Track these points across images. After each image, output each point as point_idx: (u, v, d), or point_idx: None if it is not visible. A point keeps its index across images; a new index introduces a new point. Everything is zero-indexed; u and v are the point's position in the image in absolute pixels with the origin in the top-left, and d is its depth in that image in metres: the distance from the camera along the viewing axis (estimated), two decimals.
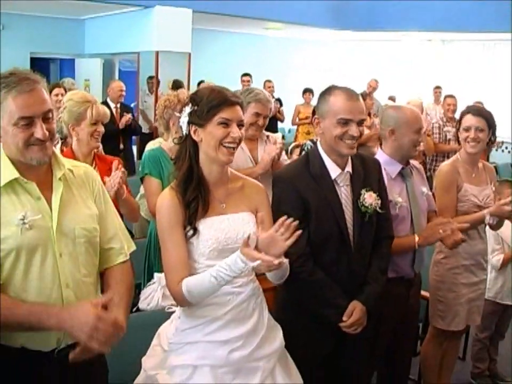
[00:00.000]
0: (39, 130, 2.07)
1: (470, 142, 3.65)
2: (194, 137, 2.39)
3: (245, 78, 10.76)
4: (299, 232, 2.19)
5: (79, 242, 2.19)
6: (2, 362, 2.07)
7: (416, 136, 3.22)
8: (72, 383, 2.18)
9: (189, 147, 2.42)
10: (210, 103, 2.33)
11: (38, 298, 2.09)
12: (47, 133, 2.09)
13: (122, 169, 3.40)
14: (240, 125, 2.38)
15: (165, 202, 2.39)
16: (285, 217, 2.19)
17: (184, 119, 2.41)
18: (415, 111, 3.33)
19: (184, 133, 2.43)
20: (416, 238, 3.17)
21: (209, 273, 2.26)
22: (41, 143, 2.09)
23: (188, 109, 2.40)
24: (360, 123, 2.77)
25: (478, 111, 3.74)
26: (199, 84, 11.05)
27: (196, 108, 2.37)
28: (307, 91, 10.94)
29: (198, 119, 2.36)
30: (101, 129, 3.50)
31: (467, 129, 3.67)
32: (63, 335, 2.13)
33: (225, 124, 2.34)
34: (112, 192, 3.14)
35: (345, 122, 2.73)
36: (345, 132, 2.74)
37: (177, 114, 3.64)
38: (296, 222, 2.20)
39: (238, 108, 2.38)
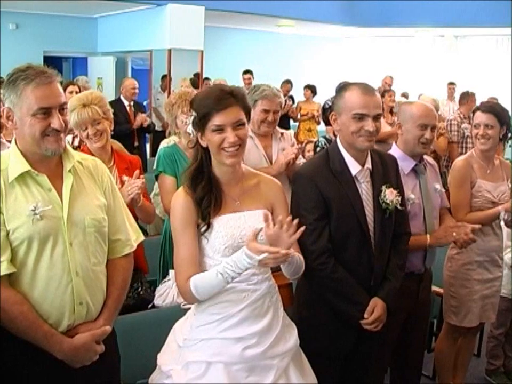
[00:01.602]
0: (56, 121, 2.15)
1: (479, 139, 3.66)
2: (201, 143, 2.40)
3: (246, 76, 10.72)
4: (303, 228, 2.20)
5: (89, 232, 2.26)
6: (17, 344, 2.14)
7: (420, 132, 3.19)
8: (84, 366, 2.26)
9: (200, 150, 2.43)
10: (202, 110, 2.33)
11: (48, 285, 2.17)
12: (63, 124, 2.17)
13: (143, 179, 3.40)
14: (240, 124, 2.34)
15: (178, 201, 2.40)
16: (290, 217, 2.21)
17: (190, 126, 2.42)
18: (424, 106, 3.30)
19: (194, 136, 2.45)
20: (428, 238, 3.18)
21: (216, 270, 2.28)
22: (57, 133, 2.16)
23: (193, 114, 2.41)
24: (376, 118, 2.76)
25: (488, 107, 3.74)
26: (203, 81, 11.12)
27: (194, 114, 2.38)
28: (306, 87, 10.86)
29: (197, 126, 2.37)
30: (92, 131, 3.45)
31: (476, 126, 3.69)
32: (74, 321, 2.22)
33: (219, 129, 2.32)
34: (128, 200, 3.15)
35: (360, 117, 2.72)
36: (361, 127, 2.73)
37: (180, 111, 3.73)
38: (296, 221, 2.21)
39: (232, 108, 2.32)
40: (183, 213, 2.37)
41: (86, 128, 3.46)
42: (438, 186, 3.39)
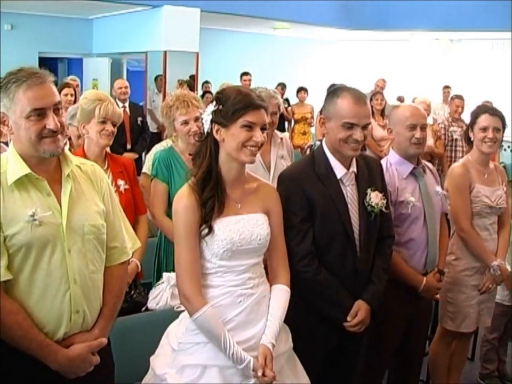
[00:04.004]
0: (51, 122, 2.11)
1: (487, 142, 3.64)
2: (216, 137, 2.38)
3: (246, 78, 10.74)
4: None
5: (88, 239, 2.22)
6: (11, 353, 2.10)
7: (410, 133, 3.20)
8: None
9: (210, 145, 2.41)
10: (236, 105, 2.32)
11: (45, 293, 2.12)
12: (59, 124, 2.13)
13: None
14: (263, 128, 2.38)
15: (182, 202, 2.39)
16: None
17: (207, 117, 2.40)
18: (411, 107, 3.33)
19: (205, 131, 2.42)
20: (424, 282, 3.22)
21: (228, 338, 2.31)
22: (53, 134, 2.12)
23: (211, 107, 2.39)
24: (364, 127, 2.76)
25: (495, 111, 3.73)
26: (203, 84, 11.10)
27: (220, 107, 2.35)
28: (301, 90, 10.82)
29: (222, 118, 2.35)
30: (110, 128, 3.46)
31: (484, 129, 3.65)
32: (70, 329, 2.18)
33: (249, 127, 2.33)
34: None
35: (349, 126, 2.73)
36: (349, 136, 2.73)
37: (178, 113, 3.71)
38: None
39: (263, 111, 2.37)
40: (187, 215, 2.36)
41: (104, 123, 3.45)
42: (439, 189, 3.39)
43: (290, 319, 2.64)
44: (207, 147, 2.41)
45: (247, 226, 2.40)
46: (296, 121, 10.55)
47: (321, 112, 2.97)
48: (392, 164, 3.24)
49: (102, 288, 2.31)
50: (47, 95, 2.12)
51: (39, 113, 2.09)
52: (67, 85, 6.96)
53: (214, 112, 2.37)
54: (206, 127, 2.41)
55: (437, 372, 3.96)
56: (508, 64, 12.56)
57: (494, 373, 4.51)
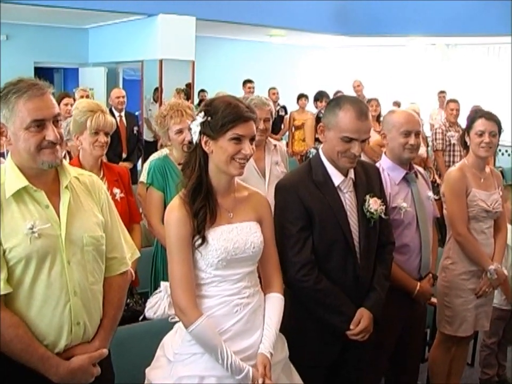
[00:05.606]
0: (51, 133, 2.11)
1: (484, 146, 3.65)
2: (205, 148, 2.37)
3: (249, 85, 10.74)
4: None
5: (87, 250, 2.22)
6: (13, 365, 2.09)
7: (404, 139, 3.21)
8: None
9: (199, 156, 2.40)
10: (225, 118, 2.31)
11: (45, 305, 2.12)
12: (58, 135, 2.13)
13: None
14: (252, 139, 2.37)
15: (173, 214, 2.38)
16: None
17: (195, 128, 2.39)
18: (406, 114, 3.33)
19: (194, 141, 2.41)
20: (418, 287, 3.23)
21: (224, 348, 2.30)
22: (52, 145, 2.12)
23: (200, 118, 2.37)
24: (363, 141, 2.75)
25: (491, 115, 3.75)
26: (199, 92, 11.08)
27: (209, 119, 2.34)
28: (302, 96, 10.67)
29: (210, 131, 2.33)
30: (103, 139, 3.46)
31: (481, 134, 3.66)
32: (71, 341, 2.18)
33: (238, 139, 2.32)
34: None
35: (349, 140, 2.71)
36: (347, 149, 2.72)
37: (172, 122, 3.71)
38: None
39: (252, 123, 2.36)
40: (179, 228, 2.35)
41: (97, 134, 3.43)
42: (430, 194, 3.39)
43: (292, 329, 2.63)
44: (196, 158, 2.40)
45: (240, 235, 2.39)
46: (297, 128, 10.52)
47: (318, 118, 2.97)
48: (385, 169, 3.24)
49: (102, 299, 2.31)
50: (47, 107, 2.12)
51: (39, 124, 2.09)
52: (67, 95, 6.95)
53: (202, 124, 2.36)
54: (195, 138, 2.40)
55: (437, 378, 3.95)
56: (504, 68, 12.59)
57: (494, 378, 4.51)
